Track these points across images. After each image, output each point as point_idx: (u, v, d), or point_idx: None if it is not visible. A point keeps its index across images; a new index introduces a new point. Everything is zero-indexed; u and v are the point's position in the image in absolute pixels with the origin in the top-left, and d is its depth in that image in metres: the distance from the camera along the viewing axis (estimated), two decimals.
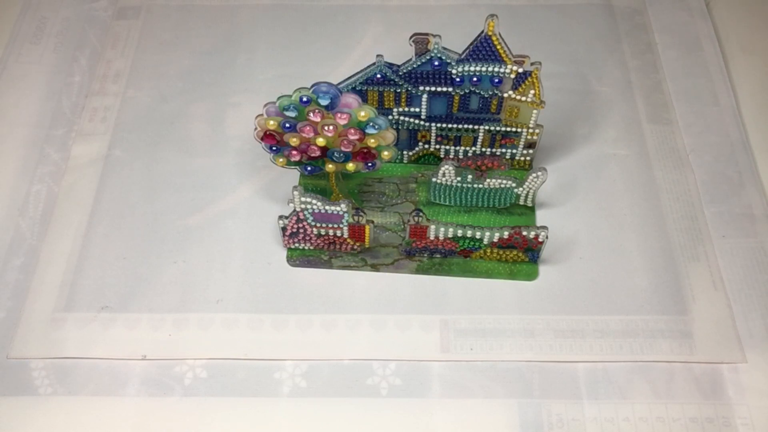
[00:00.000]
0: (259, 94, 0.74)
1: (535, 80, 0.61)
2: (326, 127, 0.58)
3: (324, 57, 0.78)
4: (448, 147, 0.67)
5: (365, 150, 0.60)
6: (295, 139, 0.60)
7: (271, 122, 0.59)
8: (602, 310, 0.60)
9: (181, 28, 0.81)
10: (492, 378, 0.57)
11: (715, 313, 0.60)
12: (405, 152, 0.68)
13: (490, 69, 0.60)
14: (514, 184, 0.63)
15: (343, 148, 0.60)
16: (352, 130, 0.58)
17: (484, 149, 0.67)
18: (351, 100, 0.57)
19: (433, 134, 0.66)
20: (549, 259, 0.63)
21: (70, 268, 0.63)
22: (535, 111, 0.62)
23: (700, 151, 0.70)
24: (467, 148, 0.67)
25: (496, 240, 0.60)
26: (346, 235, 0.61)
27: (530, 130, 0.64)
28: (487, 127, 0.65)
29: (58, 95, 0.75)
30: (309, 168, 0.64)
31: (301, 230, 0.61)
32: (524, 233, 0.59)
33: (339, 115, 0.57)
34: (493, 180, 0.63)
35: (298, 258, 0.63)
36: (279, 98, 0.57)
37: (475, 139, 0.66)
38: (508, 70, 0.60)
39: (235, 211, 0.66)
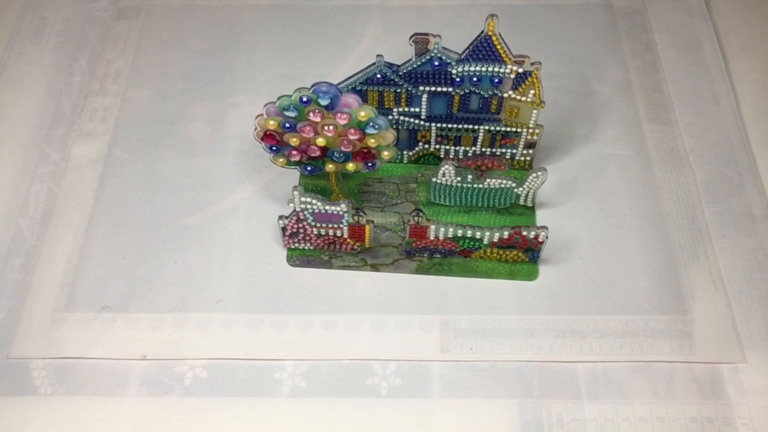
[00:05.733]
0: (259, 94, 0.74)
1: (535, 80, 0.61)
2: (326, 127, 0.58)
3: (324, 57, 0.78)
4: (448, 147, 0.67)
5: (365, 150, 0.60)
6: (295, 139, 0.60)
7: (271, 122, 0.59)
8: (602, 310, 0.60)
9: (181, 28, 0.81)
10: (492, 378, 0.57)
11: (715, 313, 0.60)
12: (405, 152, 0.68)
13: (490, 69, 0.60)
14: (514, 184, 0.63)
15: (343, 148, 0.60)
16: (352, 130, 0.58)
17: (484, 149, 0.67)
18: (351, 100, 0.57)
19: (433, 134, 0.66)
20: (549, 259, 0.63)
21: (70, 268, 0.63)
22: (535, 111, 0.62)
23: (700, 151, 0.70)
24: (467, 148, 0.67)
25: (496, 240, 0.60)
26: (346, 235, 0.61)
27: (530, 130, 0.64)
28: (487, 127, 0.65)
29: (58, 95, 0.75)
30: (309, 168, 0.64)
31: (301, 230, 0.61)
32: (524, 233, 0.59)
33: (339, 115, 0.57)
34: (493, 180, 0.63)
35: (298, 258, 0.63)
36: (279, 98, 0.57)
37: (475, 139, 0.66)
38: (508, 70, 0.60)
39: (235, 211, 0.66)
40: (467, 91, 0.62)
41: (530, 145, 0.66)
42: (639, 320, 0.59)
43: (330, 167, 0.63)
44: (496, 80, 0.60)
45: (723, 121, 0.72)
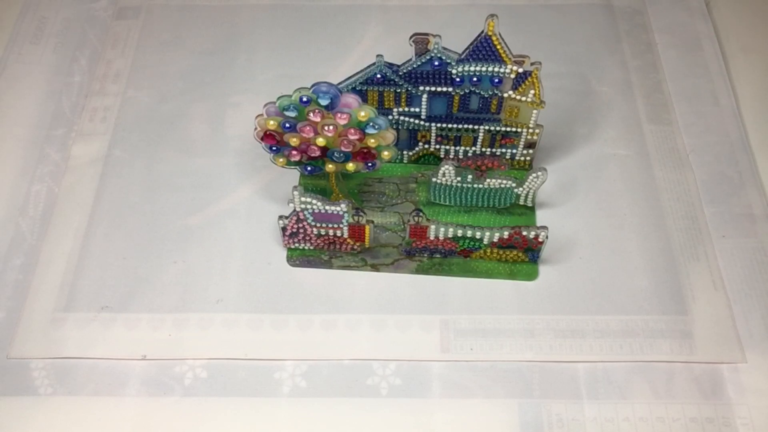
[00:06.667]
0: (259, 94, 0.74)
1: (535, 80, 0.61)
2: (326, 127, 0.58)
3: (324, 57, 0.78)
4: (448, 147, 0.67)
5: (365, 150, 0.60)
6: (295, 139, 0.60)
7: (271, 122, 0.59)
8: (602, 310, 0.60)
9: (181, 28, 0.81)
10: (492, 378, 0.57)
11: (715, 313, 0.60)
12: (405, 152, 0.68)
13: (490, 69, 0.60)
14: (514, 184, 0.63)
15: (343, 148, 0.60)
16: (352, 130, 0.58)
17: (484, 149, 0.67)
18: (351, 100, 0.57)
19: (433, 134, 0.66)
20: (549, 259, 0.63)
21: (70, 268, 0.63)
22: (535, 111, 0.62)
23: (700, 151, 0.70)
24: (467, 148, 0.67)
25: (496, 240, 0.60)
26: (346, 235, 0.61)
27: (530, 130, 0.64)
28: (487, 127, 0.65)
29: (58, 95, 0.75)
30: (309, 168, 0.64)
31: (301, 230, 0.61)
32: (524, 233, 0.59)
33: (339, 115, 0.57)
34: (493, 180, 0.63)
35: (298, 258, 0.63)
36: (279, 98, 0.57)
37: (475, 139, 0.66)
38: (508, 70, 0.60)
39: (235, 211, 0.66)
40: (467, 91, 0.62)
41: (530, 145, 0.66)
42: (639, 320, 0.59)
43: (330, 167, 0.63)
44: (496, 80, 0.60)
45: (723, 121, 0.72)
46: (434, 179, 0.63)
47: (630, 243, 0.64)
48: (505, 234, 0.59)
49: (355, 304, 0.61)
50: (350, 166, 0.62)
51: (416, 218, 0.59)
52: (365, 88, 0.62)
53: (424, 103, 0.63)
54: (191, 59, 0.78)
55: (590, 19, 0.81)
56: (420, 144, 0.67)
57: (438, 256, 0.63)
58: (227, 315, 0.60)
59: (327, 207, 0.59)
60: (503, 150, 0.67)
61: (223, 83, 0.76)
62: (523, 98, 0.62)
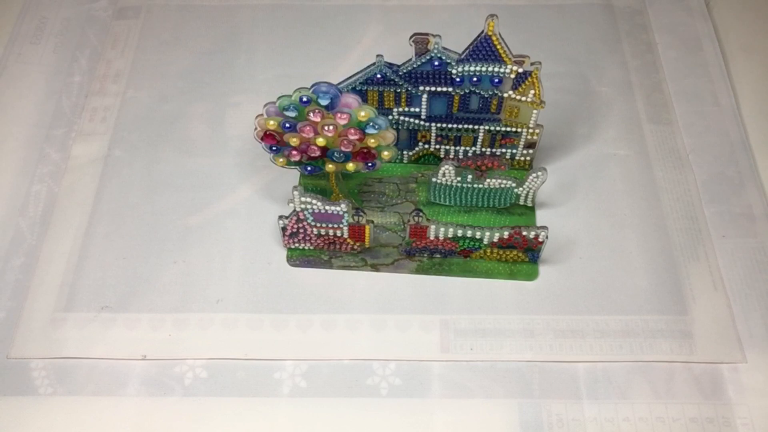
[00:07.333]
0: (259, 94, 0.74)
1: (535, 80, 0.61)
2: (326, 127, 0.58)
3: (324, 57, 0.78)
4: (448, 147, 0.67)
5: (365, 150, 0.60)
6: (295, 139, 0.60)
7: (271, 122, 0.59)
8: (602, 310, 0.60)
9: (181, 28, 0.81)
10: (492, 378, 0.57)
11: (715, 313, 0.60)
12: (405, 152, 0.68)
13: (490, 69, 0.60)
14: (514, 184, 0.63)
15: (343, 148, 0.60)
16: (352, 130, 0.58)
17: (484, 149, 0.67)
18: (351, 100, 0.57)
19: (433, 134, 0.66)
20: (549, 259, 0.63)
21: (70, 268, 0.63)
22: (535, 111, 0.62)
23: (700, 151, 0.70)
24: (467, 148, 0.67)
25: (496, 240, 0.60)
26: (346, 235, 0.61)
27: (530, 130, 0.64)
28: (487, 127, 0.65)
29: (58, 95, 0.75)
30: (309, 168, 0.64)
31: (301, 230, 0.61)
32: (524, 233, 0.59)
33: (339, 115, 0.57)
34: (493, 180, 0.63)
35: (298, 258, 0.63)
36: (279, 98, 0.57)
37: (475, 139, 0.66)
38: (508, 70, 0.60)
39: (235, 211, 0.66)
40: (467, 91, 0.62)
41: (530, 145, 0.66)
42: (639, 320, 0.59)
43: (330, 167, 0.63)
44: (496, 80, 0.60)
45: (723, 121, 0.72)
46: (434, 179, 0.63)
47: (630, 243, 0.64)
48: (505, 234, 0.59)
49: (355, 304, 0.61)
50: (350, 166, 0.62)
51: (416, 218, 0.59)
52: (365, 88, 0.62)
53: (424, 103, 0.63)
54: (191, 59, 0.78)
55: (590, 19, 0.81)
56: (420, 144, 0.67)
57: (438, 256, 0.63)
58: (227, 315, 0.60)
59: (327, 207, 0.59)
60: (503, 150, 0.67)
61: (223, 83, 0.76)
62: (523, 98, 0.62)
